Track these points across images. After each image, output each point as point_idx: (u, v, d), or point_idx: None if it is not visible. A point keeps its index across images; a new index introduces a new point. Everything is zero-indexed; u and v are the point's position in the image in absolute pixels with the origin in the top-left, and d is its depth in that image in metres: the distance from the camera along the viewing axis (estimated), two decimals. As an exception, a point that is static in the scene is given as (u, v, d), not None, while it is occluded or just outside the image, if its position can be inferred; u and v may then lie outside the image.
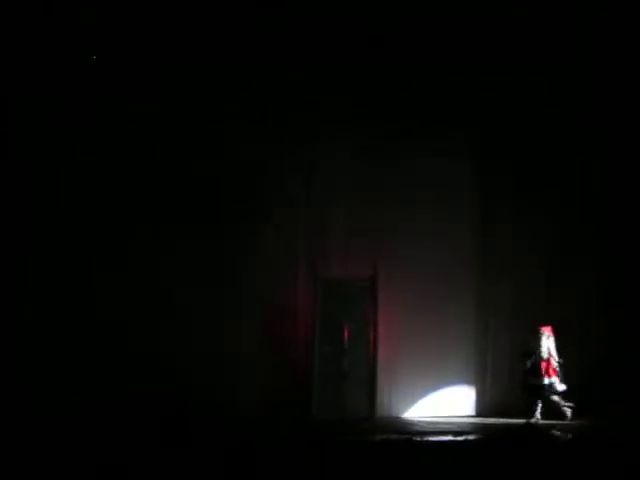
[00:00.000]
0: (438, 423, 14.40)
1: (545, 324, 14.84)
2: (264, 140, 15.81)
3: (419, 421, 14.78)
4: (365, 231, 15.95)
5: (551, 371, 14.60)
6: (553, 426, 13.41)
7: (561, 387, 14.56)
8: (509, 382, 15.74)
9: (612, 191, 16.28)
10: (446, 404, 15.54)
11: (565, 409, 14.57)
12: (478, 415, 15.37)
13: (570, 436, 12.16)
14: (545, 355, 14.61)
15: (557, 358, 14.62)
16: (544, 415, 14.42)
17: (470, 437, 12.13)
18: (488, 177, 16.41)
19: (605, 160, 16.25)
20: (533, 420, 14.25)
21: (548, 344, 14.66)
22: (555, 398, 14.59)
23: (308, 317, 15.60)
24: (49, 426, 11.80)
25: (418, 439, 11.87)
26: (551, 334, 14.75)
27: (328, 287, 15.58)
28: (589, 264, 16.20)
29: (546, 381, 14.56)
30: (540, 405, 14.48)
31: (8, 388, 13.99)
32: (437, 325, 15.95)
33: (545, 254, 16.26)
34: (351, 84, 15.70)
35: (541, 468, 8.22)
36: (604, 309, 16.02)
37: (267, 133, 15.83)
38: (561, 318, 15.82)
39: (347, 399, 15.31)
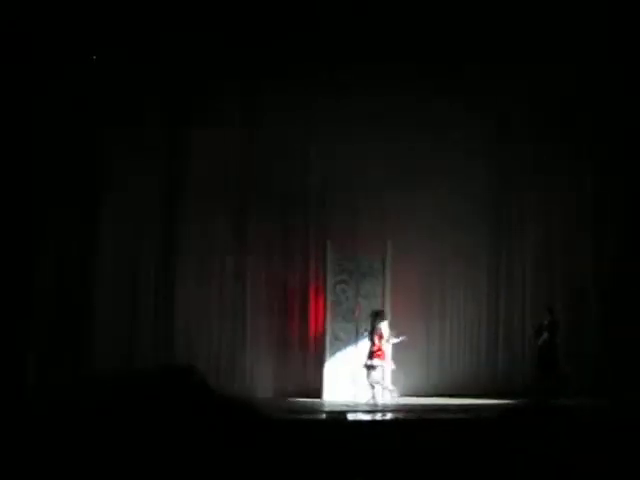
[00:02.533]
0: (447, 405, 14.32)
1: (379, 308, 14.97)
2: (278, 124, 15.91)
3: (428, 403, 14.70)
4: (377, 207, 15.97)
5: (375, 353, 14.71)
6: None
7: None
8: (523, 360, 15.76)
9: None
10: (458, 383, 15.55)
11: (374, 393, 14.64)
12: (487, 395, 15.28)
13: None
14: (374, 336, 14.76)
15: (387, 340, 14.72)
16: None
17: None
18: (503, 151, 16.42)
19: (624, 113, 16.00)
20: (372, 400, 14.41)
21: (377, 326, 14.74)
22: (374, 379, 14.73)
23: (320, 297, 15.65)
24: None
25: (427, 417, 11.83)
26: (380, 317, 14.81)
27: (339, 266, 15.60)
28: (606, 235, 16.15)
29: (368, 362, 14.68)
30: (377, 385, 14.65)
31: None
32: (449, 302, 16.04)
33: (557, 235, 16.29)
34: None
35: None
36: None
37: (281, 117, 15.89)
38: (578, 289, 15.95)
39: (358, 379, 15.34)
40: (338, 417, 9.88)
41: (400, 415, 12.12)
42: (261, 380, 15.47)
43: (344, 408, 13.04)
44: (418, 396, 15.07)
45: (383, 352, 14.63)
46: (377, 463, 7.94)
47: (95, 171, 15.21)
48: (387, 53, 15.46)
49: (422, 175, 15.95)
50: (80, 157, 15.12)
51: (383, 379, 14.77)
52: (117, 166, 15.35)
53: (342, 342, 15.40)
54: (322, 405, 14.28)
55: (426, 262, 16.03)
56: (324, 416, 10.41)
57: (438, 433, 9.30)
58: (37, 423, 8.68)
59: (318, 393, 15.13)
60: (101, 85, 15.05)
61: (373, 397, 14.50)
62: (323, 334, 15.41)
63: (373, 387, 14.60)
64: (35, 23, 14.09)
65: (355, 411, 12.83)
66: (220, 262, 15.75)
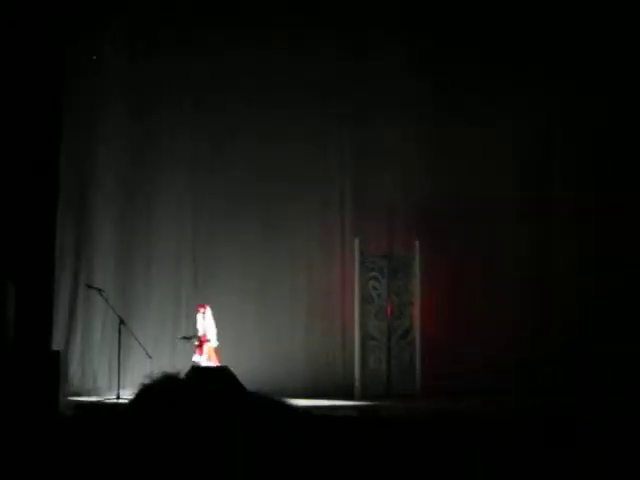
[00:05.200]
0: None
1: (202, 303, 14.56)
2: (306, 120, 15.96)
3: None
4: (407, 205, 15.95)
5: (201, 350, 14.33)
6: None
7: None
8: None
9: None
10: (492, 382, 15.41)
11: None
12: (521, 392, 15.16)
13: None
14: (200, 334, 14.34)
15: (209, 337, 14.38)
16: None
17: None
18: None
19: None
20: None
21: (204, 324, 14.37)
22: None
23: (350, 293, 15.63)
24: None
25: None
26: (206, 313, 14.44)
27: (371, 263, 15.60)
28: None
29: (195, 359, 14.31)
30: None
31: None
32: (480, 300, 15.94)
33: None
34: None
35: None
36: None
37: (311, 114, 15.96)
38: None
39: (392, 376, 15.30)
40: (370, 413, 9.86)
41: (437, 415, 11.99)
42: (292, 380, 15.44)
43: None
44: (452, 395, 15.01)
45: (204, 349, 14.35)
46: (408, 461, 7.89)
47: None
48: None
49: (452, 173, 15.96)
50: None
51: None
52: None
53: (376, 341, 15.41)
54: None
55: (457, 260, 15.97)
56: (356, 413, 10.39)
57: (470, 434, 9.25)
58: (67, 426, 8.71)
59: (350, 393, 15.13)
60: None
61: None
62: (354, 332, 15.41)
63: None
64: None
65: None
66: (246, 261, 15.78)
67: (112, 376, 14.36)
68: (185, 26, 15.70)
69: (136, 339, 13.78)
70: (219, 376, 10.98)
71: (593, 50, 15.84)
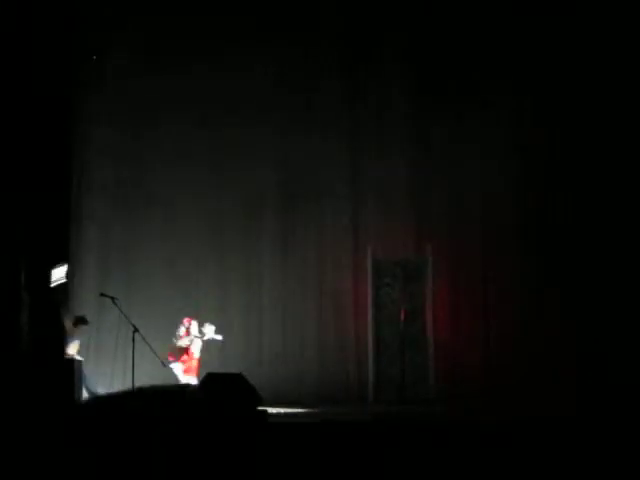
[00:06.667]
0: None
1: (189, 316, 14.57)
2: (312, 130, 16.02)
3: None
4: (417, 210, 15.97)
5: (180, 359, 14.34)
6: None
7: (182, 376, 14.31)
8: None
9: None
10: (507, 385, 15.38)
11: None
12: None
13: None
14: (181, 344, 14.38)
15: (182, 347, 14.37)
16: None
17: None
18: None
19: None
20: None
21: (191, 337, 14.42)
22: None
23: (363, 300, 15.65)
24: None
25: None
26: (191, 325, 14.46)
27: (384, 269, 15.60)
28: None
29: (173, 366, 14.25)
30: None
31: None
32: (494, 303, 15.90)
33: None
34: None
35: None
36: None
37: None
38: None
39: (405, 381, 15.31)
40: (384, 418, 9.87)
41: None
42: (306, 386, 15.48)
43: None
44: (465, 398, 15.01)
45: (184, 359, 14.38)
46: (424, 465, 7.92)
47: None
48: None
49: (463, 179, 15.99)
50: None
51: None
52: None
53: (390, 346, 15.41)
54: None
55: (470, 263, 15.96)
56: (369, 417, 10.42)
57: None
58: (87, 429, 8.74)
59: (364, 398, 15.13)
60: None
61: None
62: (367, 336, 15.43)
63: None
64: None
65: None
66: (260, 268, 15.83)
67: (126, 384, 14.38)
68: (191, 39, 15.74)
69: (150, 347, 13.80)
70: (234, 383, 10.99)
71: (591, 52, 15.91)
